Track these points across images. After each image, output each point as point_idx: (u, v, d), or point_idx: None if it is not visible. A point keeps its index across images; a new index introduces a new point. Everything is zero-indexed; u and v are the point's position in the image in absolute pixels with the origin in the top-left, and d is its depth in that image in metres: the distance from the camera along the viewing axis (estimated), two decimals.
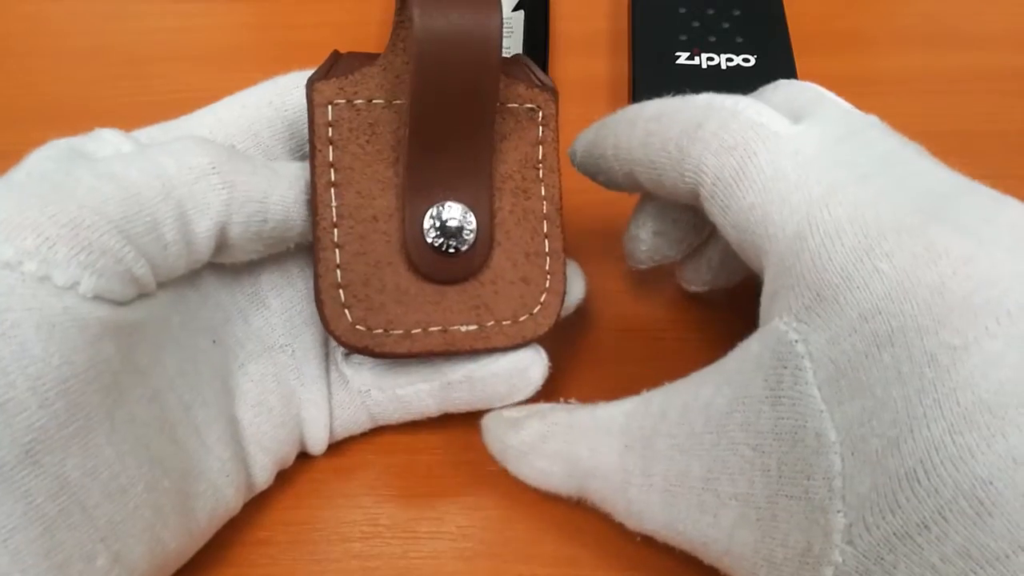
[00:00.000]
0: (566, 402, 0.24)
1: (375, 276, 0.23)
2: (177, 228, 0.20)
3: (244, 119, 0.24)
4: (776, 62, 0.35)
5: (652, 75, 0.35)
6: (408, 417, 0.26)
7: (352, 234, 0.23)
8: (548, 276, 0.25)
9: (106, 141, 0.21)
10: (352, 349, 0.23)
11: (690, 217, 0.26)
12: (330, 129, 0.23)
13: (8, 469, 0.17)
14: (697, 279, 0.28)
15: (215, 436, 0.22)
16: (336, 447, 0.26)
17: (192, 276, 0.22)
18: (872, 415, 0.16)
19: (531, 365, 0.24)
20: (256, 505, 0.25)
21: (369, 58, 0.24)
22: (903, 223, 0.18)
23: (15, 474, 0.17)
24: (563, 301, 0.25)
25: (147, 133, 0.23)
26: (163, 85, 0.38)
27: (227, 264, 0.23)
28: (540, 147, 0.25)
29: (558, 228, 0.25)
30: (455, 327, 0.24)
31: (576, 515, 0.25)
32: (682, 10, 0.37)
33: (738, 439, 0.19)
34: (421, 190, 0.23)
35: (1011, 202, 0.18)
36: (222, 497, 0.23)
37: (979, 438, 0.15)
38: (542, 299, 0.24)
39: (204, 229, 0.21)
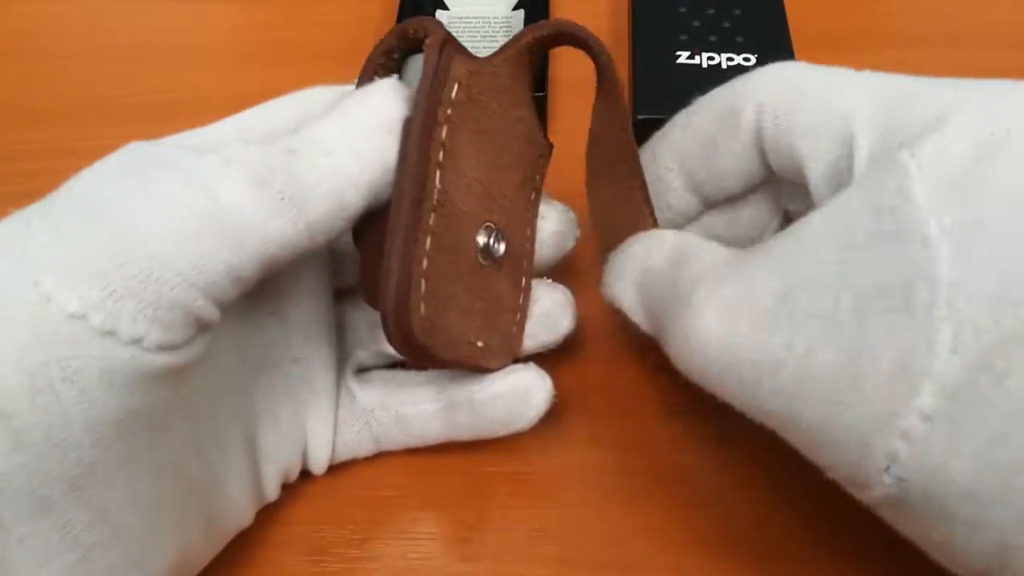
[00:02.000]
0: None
1: (448, 272, 0.22)
2: (255, 268, 0.19)
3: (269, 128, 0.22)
4: (777, 62, 0.35)
5: (652, 74, 0.35)
6: (410, 441, 0.25)
7: (443, 224, 0.21)
8: (519, 309, 0.25)
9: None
10: (414, 346, 0.21)
11: None
12: (450, 108, 0.21)
13: (53, 502, 0.17)
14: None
15: (236, 450, 0.22)
16: None
17: None
18: (986, 219, 0.16)
19: (533, 388, 0.24)
20: None
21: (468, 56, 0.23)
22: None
23: (59, 506, 0.17)
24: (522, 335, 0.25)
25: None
26: (163, 85, 0.38)
27: None
28: (533, 192, 0.25)
29: (531, 266, 0.26)
30: (476, 341, 0.23)
31: (576, 515, 0.25)
32: (682, 9, 0.37)
33: (825, 255, 0.17)
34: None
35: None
36: (240, 510, 0.23)
37: None
38: (514, 326, 0.25)
39: (285, 258, 0.20)
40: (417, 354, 0.21)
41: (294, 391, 0.24)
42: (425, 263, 0.21)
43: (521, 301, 0.25)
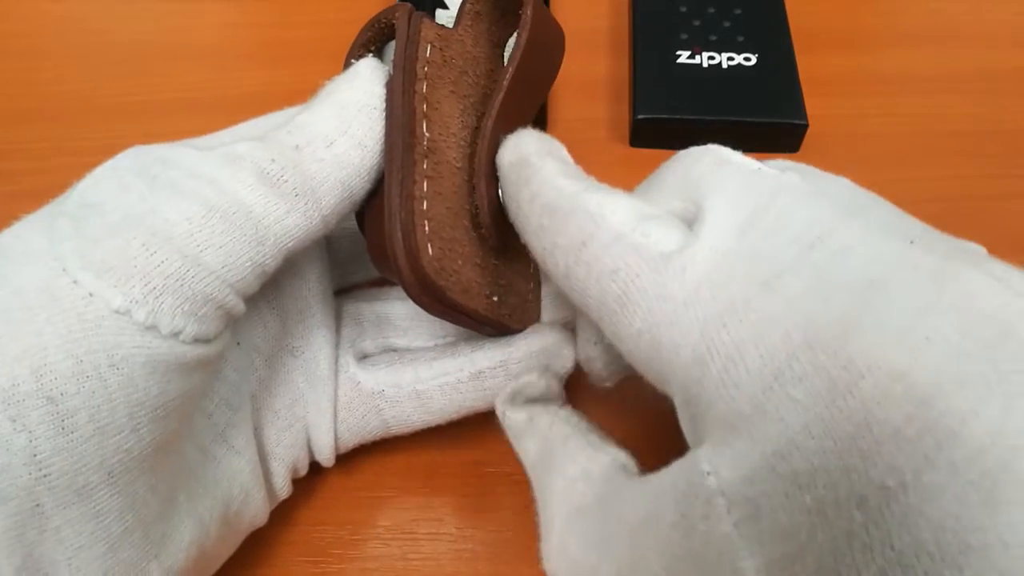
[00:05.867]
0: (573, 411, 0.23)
1: (448, 219, 0.22)
2: (277, 261, 0.20)
3: None
4: (777, 61, 0.35)
5: (653, 74, 0.35)
6: (425, 419, 0.25)
7: (436, 171, 0.22)
8: (532, 278, 0.26)
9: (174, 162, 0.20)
10: (428, 285, 0.21)
11: None
12: (426, 66, 0.22)
13: (91, 489, 0.17)
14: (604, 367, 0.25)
15: (243, 440, 0.22)
16: None
17: None
18: (795, 559, 0.15)
19: (564, 345, 0.24)
20: None
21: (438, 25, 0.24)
22: (818, 337, 0.15)
23: (96, 493, 0.17)
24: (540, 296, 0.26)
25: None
26: (162, 84, 0.38)
27: None
28: None
29: None
30: (492, 296, 0.23)
31: None
32: (683, 8, 0.37)
33: (650, 557, 0.18)
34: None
35: (958, 268, 0.16)
36: (253, 502, 0.23)
37: None
38: (531, 293, 0.25)
39: (302, 247, 0.21)
40: (433, 295, 0.21)
41: (290, 382, 0.24)
42: (425, 204, 0.21)
43: (532, 270, 0.26)
